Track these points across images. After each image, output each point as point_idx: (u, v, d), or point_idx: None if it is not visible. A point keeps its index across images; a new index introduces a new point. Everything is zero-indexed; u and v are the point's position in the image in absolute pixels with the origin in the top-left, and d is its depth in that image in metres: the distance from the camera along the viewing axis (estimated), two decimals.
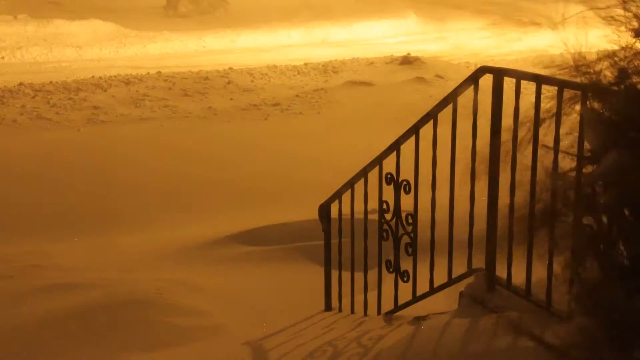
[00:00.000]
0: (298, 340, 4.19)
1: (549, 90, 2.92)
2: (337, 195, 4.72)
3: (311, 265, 6.24)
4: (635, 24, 1.87)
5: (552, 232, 2.44)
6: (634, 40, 1.88)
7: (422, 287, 4.08)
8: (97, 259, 6.63)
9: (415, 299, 4.16)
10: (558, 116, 2.80)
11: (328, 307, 5.04)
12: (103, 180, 9.03)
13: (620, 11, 1.96)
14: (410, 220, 4.02)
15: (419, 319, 4.04)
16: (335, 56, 17.96)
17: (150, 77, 15.28)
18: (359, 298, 4.65)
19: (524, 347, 2.19)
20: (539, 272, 3.03)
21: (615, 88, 1.88)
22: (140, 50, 22.09)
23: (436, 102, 3.87)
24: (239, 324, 5.38)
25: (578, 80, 2.14)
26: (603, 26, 2.00)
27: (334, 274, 4.91)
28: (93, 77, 15.38)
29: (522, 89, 3.30)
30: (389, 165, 4.18)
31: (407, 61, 16.26)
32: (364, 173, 4.40)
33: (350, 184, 4.56)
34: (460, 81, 3.76)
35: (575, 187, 1.88)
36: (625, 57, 1.87)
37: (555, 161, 2.62)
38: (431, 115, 3.88)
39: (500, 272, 3.47)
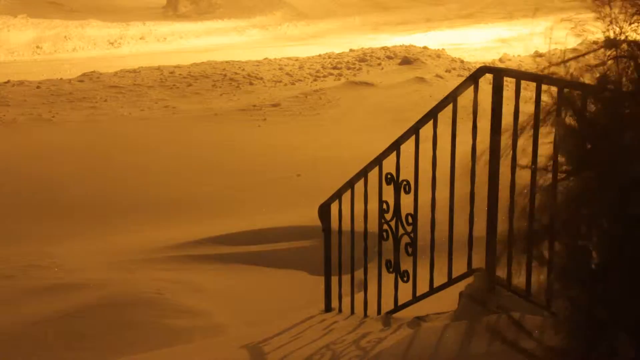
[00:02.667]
0: (297, 343, 4.19)
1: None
2: (337, 195, 4.72)
3: (314, 265, 6.23)
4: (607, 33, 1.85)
5: (551, 233, 2.43)
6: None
7: (422, 287, 4.08)
8: (97, 259, 6.63)
9: (415, 299, 4.16)
10: (557, 118, 2.79)
11: (328, 307, 5.04)
12: (103, 181, 9.03)
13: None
14: (410, 220, 4.02)
15: (418, 319, 4.04)
16: None
17: (149, 75, 15.28)
18: (360, 297, 4.64)
19: (525, 348, 2.18)
20: (539, 272, 3.03)
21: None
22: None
23: (436, 102, 3.87)
24: (239, 325, 5.38)
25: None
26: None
27: (334, 273, 4.91)
28: (93, 73, 15.39)
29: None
30: (389, 165, 4.18)
31: (407, 61, 16.24)
32: (364, 173, 4.40)
33: (350, 184, 4.56)
34: None
35: (550, 206, 1.88)
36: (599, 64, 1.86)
37: (555, 167, 2.53)
38: (431, 115, 3.88)
39: (500, 272, 3.47)
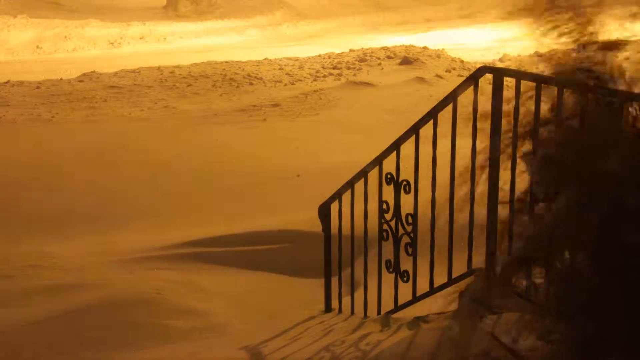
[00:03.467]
0: (296, 345, 4.18)
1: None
2: (337, 195, 4.72)
3: (314, 267, 6.22)
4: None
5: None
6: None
7: (422, 287, 4.08)
8: (97, 259, 6.63)
9: (415, 299, 4.16)
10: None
11: (328, 307, 5.04)
12: (103, 181, 9.03)
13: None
14: (410, 220, 4.02)
15: (418, 319, 4.04)
16: None
17: (150, 76, 15.28)
18: (360, 297, 4.64)
19: (525, 348, 2.19)
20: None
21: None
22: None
23: (436, 102, 3.87)
24: (238, 326, 5.37)
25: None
26: None
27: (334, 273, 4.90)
28: (93, 73, 15.40)
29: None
30: (389, 165, 4.18)
31: (407, 61, 16.24)
32: (364, 173, 4.40)
33: (350, 184, 4.56)
34: None
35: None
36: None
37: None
38: (431, 115, 3.88)
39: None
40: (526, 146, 2.99)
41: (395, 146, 4.12)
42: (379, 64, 16.62)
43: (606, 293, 1.58)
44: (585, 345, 1.60)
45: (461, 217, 3.72)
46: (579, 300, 1.62)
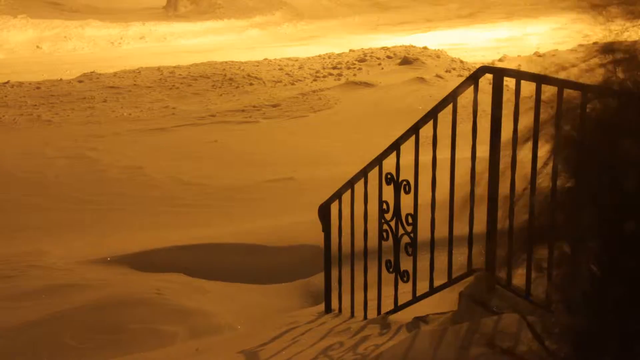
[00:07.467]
0: (295, 348, 4.17)
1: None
2: (337, 195, 4.71)
3: (317, 261, 6.22)
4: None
5: (552, 231, 2.42)
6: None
7: (422, 287, 4.07)
8: (96, 259, 6.62)
9: (415, 299, 4.16)
10: (558, 118, 2.79)
11: (328, 308, 5.03)
12: (103, 181, 9.03)
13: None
14: (410, 220, 4.01)
15: (418, 320, 4.04)
16: None
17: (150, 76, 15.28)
18: (360, 298, 4.63)
19: (525, 350, 2.18)
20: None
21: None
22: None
23: (436, 102, 3.87)
24: (238, 328, 5.37)
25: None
26: None
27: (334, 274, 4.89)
28: (93, 73, 15.39)
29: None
30: (389, 165, 4.18)
31: (407, 61, 16.23)
32: (364, 173, 4.40)
33: (350, 184, 4.56)
34: None
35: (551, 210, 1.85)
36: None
37: (555, 172, 2.42)
38: (431, 115, 3.88)
39: (500, 272, 3.47)
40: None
41: (395, 146, 4.12)
42: (379, 64, 16.61)
43: (608, 285, 1.58)
44: (585, 339, 1.59)
45: (461, 218, 3.72)
46: (583, 289, 1.61)
